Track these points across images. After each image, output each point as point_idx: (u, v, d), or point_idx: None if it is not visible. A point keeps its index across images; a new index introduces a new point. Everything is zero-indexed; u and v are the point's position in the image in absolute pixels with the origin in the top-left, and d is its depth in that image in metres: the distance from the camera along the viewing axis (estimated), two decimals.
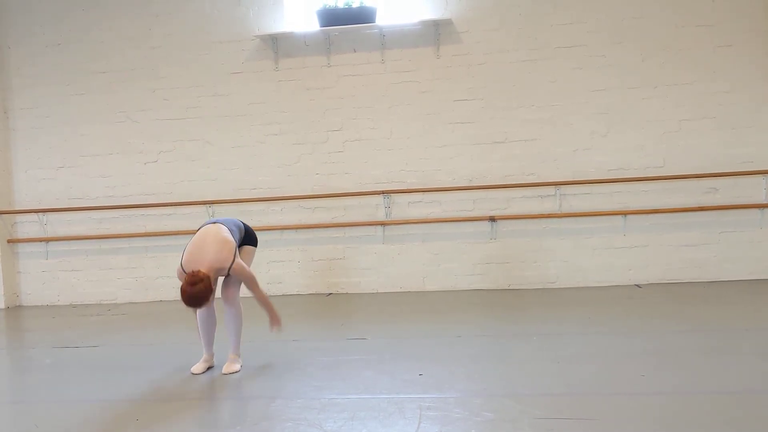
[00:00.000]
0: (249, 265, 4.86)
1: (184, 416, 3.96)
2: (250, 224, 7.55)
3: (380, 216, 7.67)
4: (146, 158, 7.94)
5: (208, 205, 7.79)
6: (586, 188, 7.42)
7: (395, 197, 7.64)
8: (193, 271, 4.40)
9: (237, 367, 4.74)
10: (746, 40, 7.20)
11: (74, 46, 8.00)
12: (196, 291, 4.32)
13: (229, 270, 4.60)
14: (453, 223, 7.57)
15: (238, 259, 4.64)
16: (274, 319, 4.88)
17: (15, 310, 7.97)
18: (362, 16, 7.49)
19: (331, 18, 7.51)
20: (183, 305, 4.47)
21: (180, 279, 4.57)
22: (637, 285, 7.33)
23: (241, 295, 4.85)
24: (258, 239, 5.13)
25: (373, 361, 4.80)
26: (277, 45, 7.73)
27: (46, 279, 8.15)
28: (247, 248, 4.99)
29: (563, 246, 7.47)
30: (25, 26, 8.07)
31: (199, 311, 4.77)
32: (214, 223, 4.82)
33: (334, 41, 7.67)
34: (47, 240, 8.07)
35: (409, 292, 7.64)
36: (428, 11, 7.52)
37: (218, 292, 4.77)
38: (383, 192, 7.60)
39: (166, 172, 7.83)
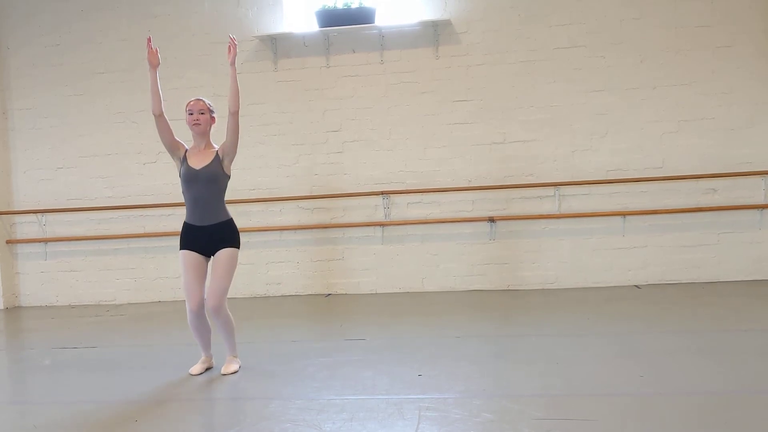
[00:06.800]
0: (232, 272, 4.70)
1: (183, 417, 3.96)
2: (249, 225, 7.65)
3: (379, 217, 7.67)
4: (145, 159, 7.94)
5: None
6: (585, 189, 7.42)
7: (394, 198, 7.64)
8: None
9: (235, 367, 4.74)
10: (745, 41, 7.20)
11: (73, 47, 7.99)
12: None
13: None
14: (452, 224, 7.57)
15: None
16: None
17: (14, 310, 7.96)
18: (361, 17, 7.49)
19: (330, 18, 7.50)
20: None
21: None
22: (636, 285, 7.33)
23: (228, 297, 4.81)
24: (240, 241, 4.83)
25: (372, 362, 4.80)
26: (276, 45, 7.73)
27: (45, 280, 8.15)
28: (230, 252, 4.69)
29: (562, 247, 7.46)
30: (25, 27, 8.06)
31: (191, 323, 4.66)
32: None
33: (333, 42, 7.67)
34: (46, 241, 8.06)
35: (408, 292, 7.63)
36: (427, 12, 7.52)
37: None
38: (382, 193, 7.60)
39: (165, 172, 7.82)
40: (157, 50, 4.69)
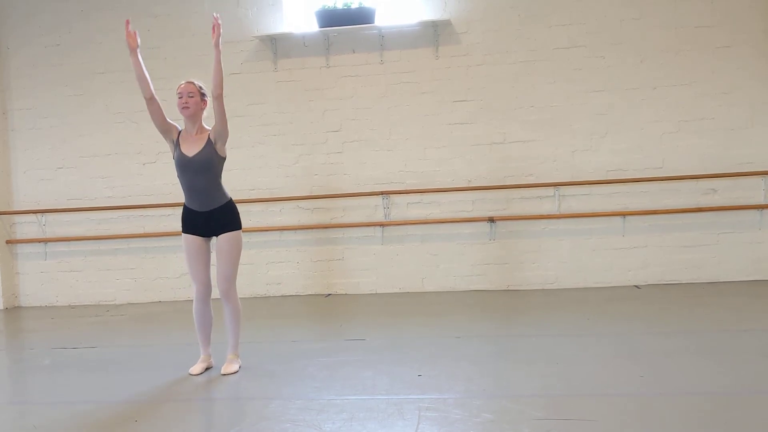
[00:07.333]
0: (238, 256, 4.70)
1: (183, 417, 3.96)
2: (249, 225, 7.64)
3: (379, 217, 7.67)
4: (145, 159, 7.94)
5: None
6: (585, 189, 7.41)
7: (394, 198, 7.64)
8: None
9: (236, 367, 4.73)
10: (745, 42, 7.20)
11: (73, 48, 7.98)
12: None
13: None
14: (452, 224, 7.57)
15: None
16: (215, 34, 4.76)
17: (14, 311, 7.96)
18: (361, 17, 7.49)
19: (330, 19, 7.50)
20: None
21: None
22: (636, 286, 7.33)
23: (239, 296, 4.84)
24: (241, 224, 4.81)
25: (372, 362, 4.80)
26: (276, 46, 7.73)
27: (45, 280, 8.14)
28: (231, 236, 4.65)
29: (562, 247, 7.46)
30: (25, 27, 8.06)
31: (195, 308, 4.73)
32: None
33: (333, 42, 7.67)
34: (46, 241, 8.06)
35: (408, 292, 7.63)
36: (427, 12, 7.52)
37: (215, 292, 4.77)
38: (382, 193, 7.60)
39: (165, 172, 7.81)
40: (135, 33, 4.67)
